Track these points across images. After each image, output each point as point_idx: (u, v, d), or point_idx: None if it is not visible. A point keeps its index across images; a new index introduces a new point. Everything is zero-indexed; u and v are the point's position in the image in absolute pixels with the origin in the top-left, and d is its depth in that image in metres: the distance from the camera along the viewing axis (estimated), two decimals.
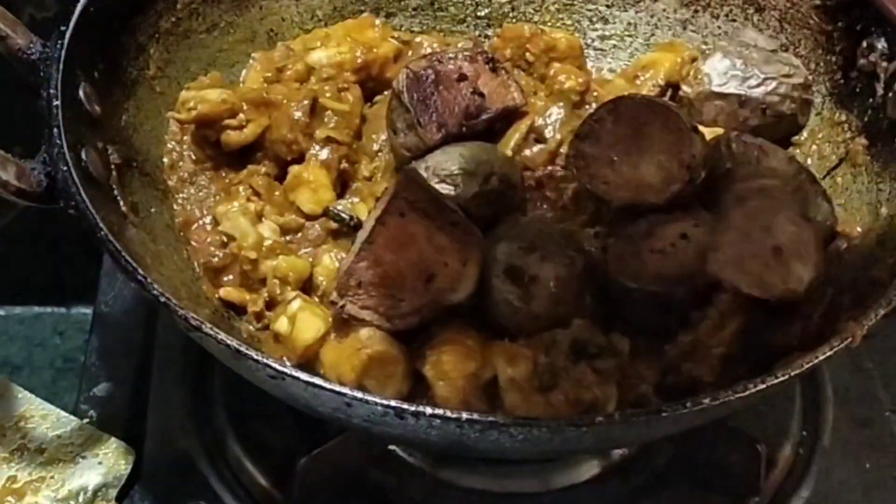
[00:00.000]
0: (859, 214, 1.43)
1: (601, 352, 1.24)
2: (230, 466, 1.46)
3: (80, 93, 1.35)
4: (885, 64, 1.47)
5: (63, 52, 1.33)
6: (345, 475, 1.40)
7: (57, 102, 1.30)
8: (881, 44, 1.48)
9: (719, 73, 1.49)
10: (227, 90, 1.48)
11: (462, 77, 1.44)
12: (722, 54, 1.50)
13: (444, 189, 1.33)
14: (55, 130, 1.28)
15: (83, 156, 1.31)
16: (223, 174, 1.48)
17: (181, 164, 1.47)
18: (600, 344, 1.25)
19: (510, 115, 1.48)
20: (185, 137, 1.48)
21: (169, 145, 1.48)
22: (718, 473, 1.43)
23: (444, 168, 1.36)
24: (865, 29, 1.50)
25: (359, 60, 1.56)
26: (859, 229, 1.40)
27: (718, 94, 1.48)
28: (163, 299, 1.18)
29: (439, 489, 1.45)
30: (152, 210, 1.42)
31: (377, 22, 1.64)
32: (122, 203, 1.35)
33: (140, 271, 1.20)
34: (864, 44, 1.50)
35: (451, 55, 1.46)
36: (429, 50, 1.61)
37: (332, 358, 1.28)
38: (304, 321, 1.31)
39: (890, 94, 1.47)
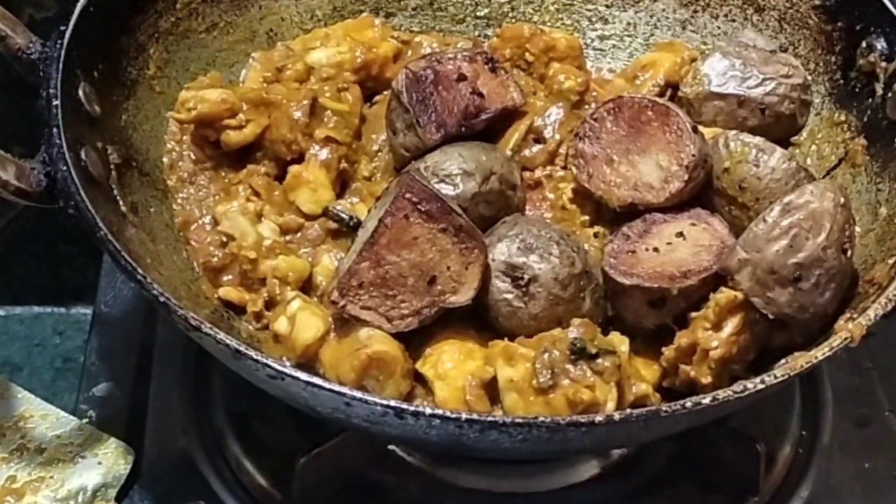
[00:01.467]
0: (858, 214, 1.42)
1: (600, 352, 1.24)
2: (230, 466, 1.46)
3: (80, 92, 1.36)
4: (884, 64, 1.48)
5: (63, 52, 1.34)
6: (344, 475, 1.40)
7: (56, 102, 1.30)
8: (881, 44, 1.49)
9: (718, 73, 1.49)
10: (226, 90, 1.47)
11: (461, 77, 1.44)
12: (721, 55, 1.50)
13: (444, 189, 1.33)
14: (55, 130, 1.28)
15: (83, 155, 1.31)
16: (223, 174, 1.48)
17: (181, 163, 1.47)
18: (599, 344, 1.25)
19: (510, 115, 1.49)
20: (184, 137, 1.48)
21: (168, 145, 1.48)
22: (718, 473, 1.43)
23: (444, 168, 1.36)
24: (865, 29, 1.51)
25: (358, 60, 1.55)
26: (858, 229, 1.40)
27: (717, 95, 1.47)
28: (162, 299, 1.18)
29: (438, 489, 1.45)
30: (152, 210, 1.42)
31: (377, 22, 1.64)
32: (121, 203, 1.35)
33: (140, 271, 1.20)
34: (864, 44, 1.51)
35: (450, 55, 1.46)
36: (428, 50, 1.61)
37: (332, 358, 1.28)
38: (303, 321, 1.31)
39: (889, 95, 1.47)
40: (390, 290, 1.27)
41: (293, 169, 1.46)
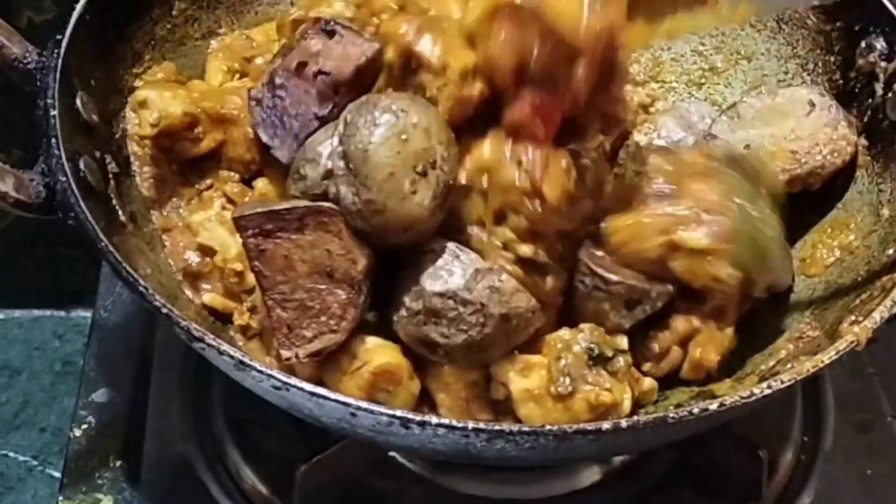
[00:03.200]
0: (860, 216, 1.43)
1: (615, 353, 1.26)
2: (229, 473, 1.46)
3: (78, 102, 1.35)
4: (884, 64, 1.47)
5: (59, 62, 1.33)
6: (345, 482, 1.40)
7: (54, 112, 1.29)
8: (880, 44, 1.48)
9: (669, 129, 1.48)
10: (185, 97, 1.42)
11: (301, 65, 1.34)
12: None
13: None
14: (53, 141, 1.27)
15: (81, 166, 1.30)
16: (191, 180, 1.44)
17: (146, 169, 1.43)
18: (609, 344, 1.26)
19: (375, 64, 1.34)
20: (146, 140, 1.43)
21: (133, 148, 1.43)
22: (720, 479, 1.43)
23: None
24: (864, 29, 1.50)
25: None
26: (852, 237, 1.41)
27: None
28: (165, 310, 1.18)
29: (440, 495, 1.45)
30: (149, 219, 1.41)
31: None
32: (120, 212, 1.35)
33: (141, 282, 1.19)
34: (863, 44, 1.50)
35: (287, 48, 1.37)
36: None
37: (336, 379, 1.26)
38: None
39: (889, 95, 1.46)
40: (314, 307, 1.24)
41: (259, 184, 1.42)
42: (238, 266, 1.35)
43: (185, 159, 1.44)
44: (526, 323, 1.25)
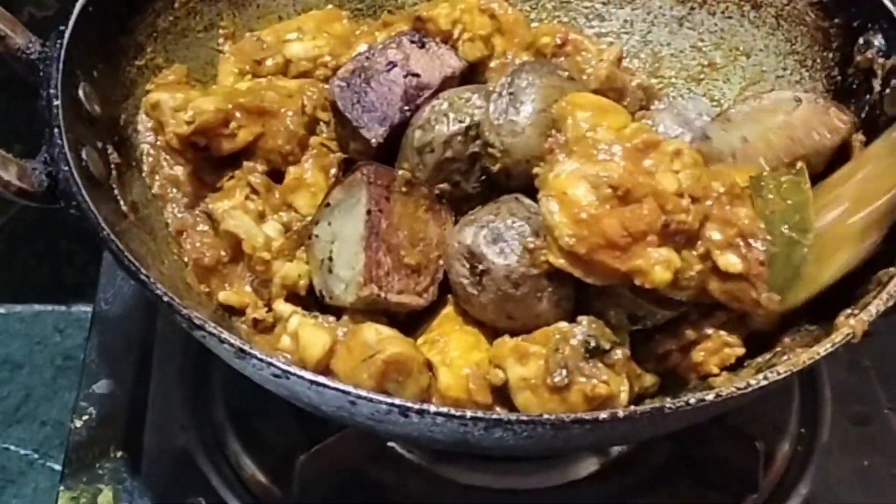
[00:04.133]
0: None
1: (613, 345, 1.26)
2: (230, 463, 1.46)
3: (80, 92, 1.36)
4: (881, 60, 1.47)
5: (62, 52, 1.34)
6: (344, 472, 1.41)
7: (57, 102, 1.30)
8: (878, 40, 1.48)
9: (667, 126, 1.49)
10: (216, 96, 1.45)
11: (391, 65, 1.44)
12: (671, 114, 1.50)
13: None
14: (55, 130, 1.28)
15: (83, 155, 1.31)
16: (205, 178, 1.46)
17: (160, 169, 1.44)
18: (608, 337, 1.26)
19: (458, 81, 1.47)
20: (158, 141, 1.45)
21: (142, 147, 1.45)
22: (717, 471, 1.44)
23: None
24: (862, 25, 1.50)
25: (337, 59, 1.54)
26: None
27: None
28: (166, 299, 1.19)
29: (438, 485, 1.45)
30: (151, 208, 1.42)
31: (343, 14, 1.63)
32: (122, 202, 1.35)
33: (143, 271, 1.20)
34: (861, 40, 1.50)
35: (375, 49, 1.46)
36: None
37: (346, 368, 1.27)
38: (307, 337, 1.30)
39: (887, 91, 1.46)
40: (407, 268, 1.32)
41: (292, 170, 1.44)
42: (266, 255, 1.38)
43: (206, 156, 1.45)
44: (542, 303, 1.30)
